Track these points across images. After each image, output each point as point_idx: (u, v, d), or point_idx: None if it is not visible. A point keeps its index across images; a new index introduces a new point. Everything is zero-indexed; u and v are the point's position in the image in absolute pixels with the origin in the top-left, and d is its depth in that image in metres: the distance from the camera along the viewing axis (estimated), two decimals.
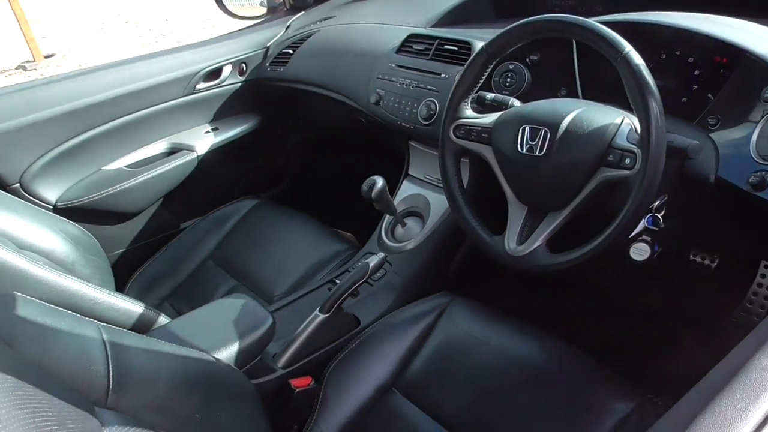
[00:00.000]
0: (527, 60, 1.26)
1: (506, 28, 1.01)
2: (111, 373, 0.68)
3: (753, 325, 1.39)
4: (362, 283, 1.11)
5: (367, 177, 1.28)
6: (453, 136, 1.10)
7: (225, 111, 1.88)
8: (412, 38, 1.51)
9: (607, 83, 1.18)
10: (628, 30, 0.92)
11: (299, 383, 1.07)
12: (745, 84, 1.01)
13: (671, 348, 1.48)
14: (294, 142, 2.12)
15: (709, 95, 1.09)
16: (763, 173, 0.92)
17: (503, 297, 1.52)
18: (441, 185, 1.43)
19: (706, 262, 1.39)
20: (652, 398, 1.01)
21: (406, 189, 1.52)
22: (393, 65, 1.49)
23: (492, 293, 1.47)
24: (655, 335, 1.54)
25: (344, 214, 1.91)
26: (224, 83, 1.84)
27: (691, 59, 1.12)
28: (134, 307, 1.05)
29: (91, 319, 0.78)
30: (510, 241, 1.00)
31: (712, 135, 1.02)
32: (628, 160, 0.87)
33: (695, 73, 1.11)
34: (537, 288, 1.61)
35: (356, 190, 1.29)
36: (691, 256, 1.41)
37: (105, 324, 0.79)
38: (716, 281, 1.42)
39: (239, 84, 1.89)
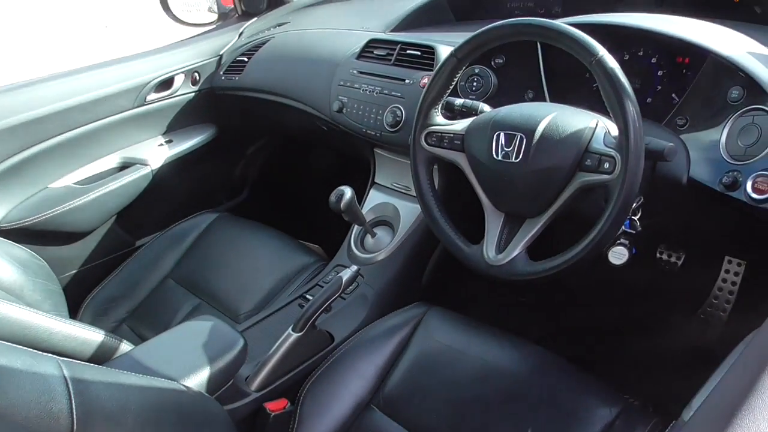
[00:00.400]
0: (492, 63, 1.25)
1: (476, 33, 0.99)
2: (74, 412, 0.63)
3: (719, 321, 1.43)
4: (336, 298, 1.07)
5: (330, 185, 1.24)
6: (425, 144, 1.08)
7: (179, 122, 1.81)
8: (372, 43, 1.48)
9: (574, 85, 1.18)
10: (590, 31, 0.91)
11: (274, 406, 1.03)
12: (711, 85, 1.02)
13: (642, 347, 1.50)
14: (252, 152, 2.06)
15: (674, 95, 1.10)
16: (735, 173, 0.93)
17: (478, 303, 1.51)
18: (409, 192, 1.42)
19: (673, 259, 1.41)
20: (629, 399, 1.00)
21: (374, 198, 1.49)
22: (354, 71, 1.46)
23: (467, 300, 1.46)
24: (624, 335, 1.55)
25: (309, 224, 1.86)
26: (176, 93, 1.78)
27: (654, 60, 1.13)
28: (93, 335, 0.98)
29: (50, 354, 0.72)
30: (489, 250, 0.98)
31: (681, 136, 1.03)
32: (606, 165, 0.86)
33: (659, 73, 1.13)
34: (509, 292, 1.60)
35: (320, 199, 1.26)
36: (658, 254, 1.42)
37: (65, 358, 0.73)
38: (682, 278, 1.44)
39: (192, 94, 1.82)
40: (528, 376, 1.04)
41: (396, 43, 1.43)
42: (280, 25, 1.88)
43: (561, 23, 0.92)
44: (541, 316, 1.63)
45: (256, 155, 2.08)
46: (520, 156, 0.93)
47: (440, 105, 1.08)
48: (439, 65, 1.05)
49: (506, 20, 0.96)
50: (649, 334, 1.51)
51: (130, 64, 1.68)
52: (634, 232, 0.99)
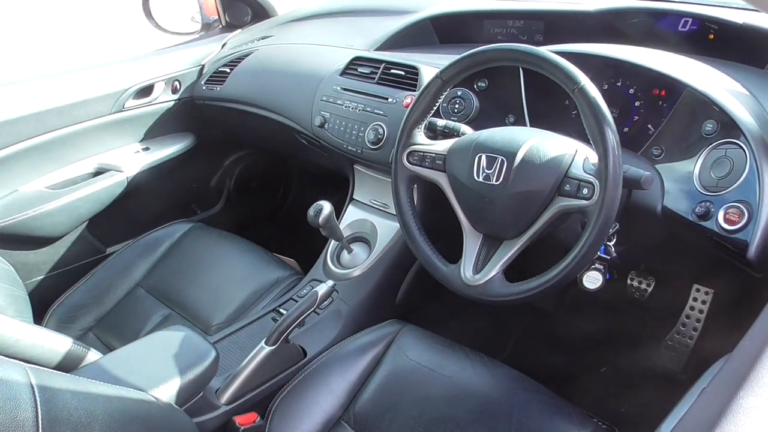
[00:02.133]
0: (475, 86, 1.27)
1: (462, 56, 1.01)
2: (40, 421, 0.61)
3: (686, 348, 1.46)
4: (311, 312, 1.07)
5: (306, 199, 1.24)
6: (406, 163, 1.08)
7: (157, 130, 1.79)
8: (356, 61, 1.49)
9: (554, 110, 1.21)
10: (571, 60, 0.93)
11: (244, 420, 1.01)
12: (686, 117, 1.05)
13: (609, 369, 1.52)
14: (229, 163, 2.05)
15: (650, 126, 1.13)
16: (707, 204, 0.95)
17: (451, 323, 1.51)
18: (387, 210, 1.42)
19: (643, 285, 1.43)
20: (598, 422, 1.01)
21: (352, 214, 1.48)
22: (338, 88, 1.47)
23: (440, 319, 1.46)
24: (594, 359, 1.57)
25: (284, 238, 1.85)
26: (156, 101, 1.76)
27: (631, 90, 1.16)
28: (61, 343, 0.96)
29: (17, 361, 0.70)
30: (466, 270, 0.99)
31: (656, 166, 1.06)
32: (585, 191, 0.88)
33: (636, 104, 1.16)
34: (482, 311, 1.61)
35: (296, 212, 1.25)
36: (629, 280, 1.45)
37: (32, 365, 0.71)
38: (651, 304, 1.47)
39: (172, 102, 1.81)
40: (499, 397, 1.05)
41: (380, 61, 1.44)
42: (264, 38, 1.88)
43: (545, 51, 0.94)
44: (512, 334, 1.64)
45: (234, 166, 2.07)
46: (501, 178, 0.95)
47: (423, 125, 1.09)
48: (424, 86, 1.07)
49: (492, 45, 0.98)
50: (617, 358, 1.53)
51: (109, 69, 1.66)
52: (608, 257, 1.00)
